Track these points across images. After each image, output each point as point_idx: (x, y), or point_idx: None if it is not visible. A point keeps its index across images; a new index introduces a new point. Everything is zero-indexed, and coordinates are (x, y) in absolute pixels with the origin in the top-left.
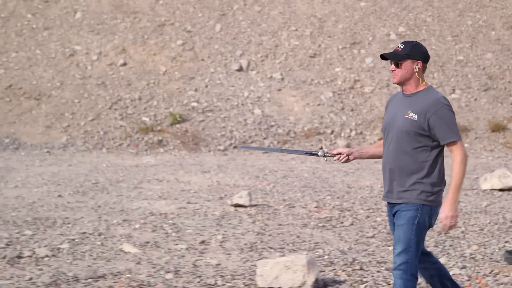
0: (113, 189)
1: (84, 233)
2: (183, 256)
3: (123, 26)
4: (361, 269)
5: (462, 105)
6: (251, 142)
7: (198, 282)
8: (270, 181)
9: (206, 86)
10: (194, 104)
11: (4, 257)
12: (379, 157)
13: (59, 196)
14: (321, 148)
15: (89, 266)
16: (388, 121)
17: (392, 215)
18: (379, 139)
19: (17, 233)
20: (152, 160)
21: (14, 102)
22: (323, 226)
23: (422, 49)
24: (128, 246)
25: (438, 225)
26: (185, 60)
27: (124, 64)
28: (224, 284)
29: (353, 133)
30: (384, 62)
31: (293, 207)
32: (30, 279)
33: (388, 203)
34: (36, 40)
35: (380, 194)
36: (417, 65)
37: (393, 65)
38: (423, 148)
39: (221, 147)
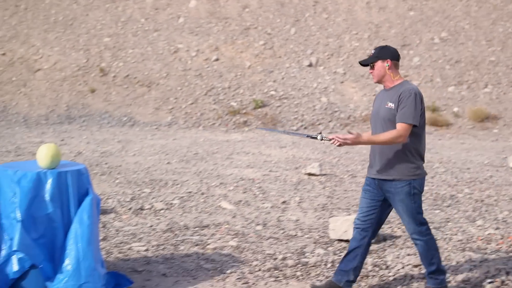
0: (210, 159)
1: (190, 192)
2: (268, 212)
3: (217, 29)
4: None
5: (493, 98)
6: (319, 125)
7: (282, 233)
8: (336, 156)
9: (283, 78)
10: (273, 92)
11: (130, 209)
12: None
13: (168, 163)
14: (320, 132)
15: (195, 218)
16: (374, 112)
17: (379, 189)
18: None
19: (139, 190)
20: (239, 137)
21: (130, 89)
22: None
23: (389, 50)
24: (225, 203)
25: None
26: (265, 57)
27: (217, 59)
28: (303, 235)
29: None
30: (429, 60)
31: (355, 176)
32: (151, 226)
33: (374, 178)
34: (148, 39)
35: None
36: (387, 63)
37: (369, 68)
38: None
39: (294, 128)
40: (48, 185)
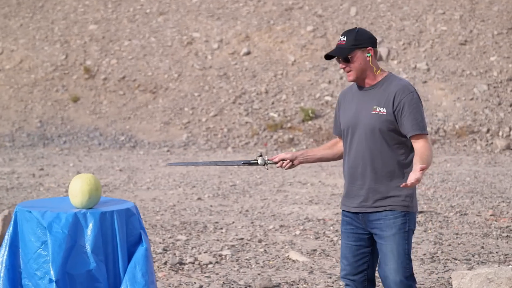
0: (254, 192)
1: (242, 239)
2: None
3: (246, 10)
4: None
5: None
6: None
7: None
8: (429, 185)
9: (341, 78)
10: (328, 98)
11: (165, 263)
12: (328, 160)
13: (199, 199)
14: (260, 155)
15: (258, 274)
16: (350, 120)
17: (364, 224)
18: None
19: (170, 238)
20: None
21: (128, 96)
22: (508, 236)
23: (367, 34)
24: (294, 254)
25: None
26: (316, 48)
27: (248, 53)
28: None
29: None
30: None
31: (465, 214)
32: (201, 286)
33: (357, 213)
34: (151, 26)
35: None
36: (368, 52)
37: (342, 63)
38: (398, 145)
39: None
40: (89, 231)
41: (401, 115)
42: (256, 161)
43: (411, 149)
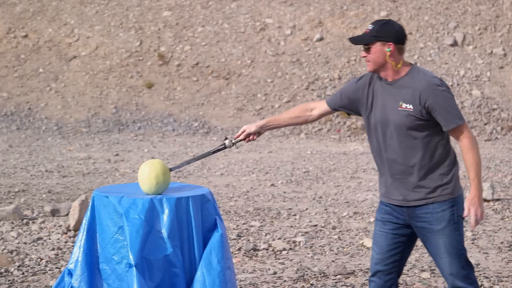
0: (328, 178)
1: (316, 225)
2: None
3: None
4: None
5: None
6: (471, 128)
7: None
8: (506, 172)
9: (416, 63)
10: None
11: (239, 249)
12: (296, 124)
13: (272, 185)
14: (226, 138)
15: (333, 261)
16: (379, 116)
17: (407, 217)
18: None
19: (244, 224)
20: (360, 148)
21: (202, 82)
22: None
23: (394, 27)
24: (369, 241)
25: (469, 222)
26: None
27: (321, 39)
28: (491, 286)
29: None
30: None
31: None
32: (275, 273)
33: (398, 206)
34: (224, 13)
35: None
36: (388, 47)
37: (363, 51)
38: (429, 136)
39: None
40: (165, 216)
41: (432, 111)
42: (224, 145)
43: (442, 135)
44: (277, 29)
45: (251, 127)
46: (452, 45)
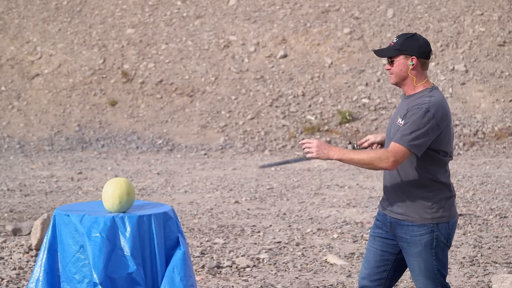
0: (291, 195)
1: (279, 242)
2: None
3: (283, 13)
4: None
5: None
6: None
7: None
8: (468, 188)
9: (379, 80)
10: (365, 100)
11: (202, 267)
12: None
13: (236, 202)
14: (349, 143)
15: (296, 278)
16: (388, 125)
17: (388, 230)
18: None
19: (208, 241)
20: (324, 164)
21: (166, 99)
22: None
23: (418, 42)
24: (332, 257)
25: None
26: (353, 50)
27: (285, 56)
28: None
29: None
30: None
31: (505, 217)
32: None
33: (386, 215)
34: (187, 30)
35: None
36: (411, 61)
37: (387, 64)
38: (418, 157)
39: None
40: (127, 234)
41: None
42: (346, 148)
43: (437, 162)
44: (240, 46)
45: (377, 137)
46: None
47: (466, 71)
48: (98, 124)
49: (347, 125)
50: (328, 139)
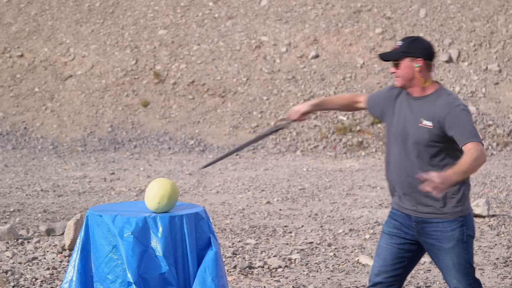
0: (323, 195)
1: (311, 243)
2: (429, 270)
3: (314, 14)
4: None
5: None
6: None
7: None
8: (502, 188)
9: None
10: None
11: (234, 267)
12: (343, 110)
13: (268, 203)
14: (280, 120)
15: (328, 278)
16: (397, 127)
17: (415, 231)
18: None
19: (239, 242)
20: (355, 164)
21: (198, 100)
22: None
23: (423, 44)
24: (364, 258)
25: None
26: (385, 50)
27: (316, 56)
28: None
29: None
30: None
31: None
32: None
33: (408, 215)
34: (219, 31)
35: None
36: (417, 63)
37: (392, 67)
38: (444, 154)
39: None
40: (159, 235)
41: (449, 129)
42: (281, 126)
43: (457, 153)
44: (272, 47)
45: (303, 106)
46: (447, 61)
47: (500, 70)
48: (131, 125)
49: (378, 125)
50: (360, 139)
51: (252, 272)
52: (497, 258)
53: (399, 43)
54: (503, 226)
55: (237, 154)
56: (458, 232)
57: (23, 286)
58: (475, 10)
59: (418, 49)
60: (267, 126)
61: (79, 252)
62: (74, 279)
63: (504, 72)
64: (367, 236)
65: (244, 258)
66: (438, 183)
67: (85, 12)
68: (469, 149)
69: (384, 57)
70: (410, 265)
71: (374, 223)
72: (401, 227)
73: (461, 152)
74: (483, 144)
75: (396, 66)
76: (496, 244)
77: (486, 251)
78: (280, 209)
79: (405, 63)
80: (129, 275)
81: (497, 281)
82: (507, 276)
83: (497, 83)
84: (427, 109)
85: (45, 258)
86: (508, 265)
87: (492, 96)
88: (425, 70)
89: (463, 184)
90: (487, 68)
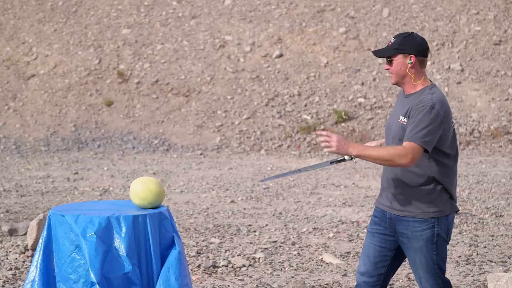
0: (287, 194)
1: (275, 241)
2: None
3: (278, 13)
4: None
5: None
6: None
7: None
8: (464, 187)
9: (374, 80)
10: (361, 100)
11: (198, 266)
12: None
13: (232, 202)
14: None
15: (292, 277)
16: (388, 124)
17: (391, 228)
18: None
19: (204, 241)
20: None
21: (162, 99)
22: None
23: (415, 40)
24: (328, 256)
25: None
26: (348, 50)
27: (280, 55)
28: None
29: None
30: None
31: (501, 216)
32: None
33: (385, 211)
34: (183, 30)
35: None
36: (409, 59)
37: (386, 64)
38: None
39: None
40: (123, 234)
41: (409, 124)
42: (343, 158)
43: (441, 156)
44: (236, 46)
45: (372, 143)
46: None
47: (462, 70)
48: (94, 124)
49: (343, 124)
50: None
51: (216, 271)
52: (459, 256)
53: (392, 39)
54: (465, 224)
55: (201, 154)
56: (428, 232)
57: None
58: (437, 10)
59: (411, 46)
60: (231, 126)
61: (41, 252)
62: (36, 279)
63: (467, 72)
64: (331, 235)
65: (208, 257)
66: (331, 140)
67: (48, 11)
68: (403, 146)
69: (377, 54)
70: (394, 264)
71: (338, 221)
72: (380, 222)
73: (438, 150)
74: (425, 150)
75: (390, 63)
76: (458, 242)
77: (448, 249)
78: (244, 208)
79: (398, 59)
80: (92, 275)
81: (459, 278)
82: (469, 274)
83: (459, 82)
84: (406, 105)
85: (7, 259)
86: (470, 263)
87: (454, 95)
88: (417, 66)
89: (438, 186)
90: (449, 67)
